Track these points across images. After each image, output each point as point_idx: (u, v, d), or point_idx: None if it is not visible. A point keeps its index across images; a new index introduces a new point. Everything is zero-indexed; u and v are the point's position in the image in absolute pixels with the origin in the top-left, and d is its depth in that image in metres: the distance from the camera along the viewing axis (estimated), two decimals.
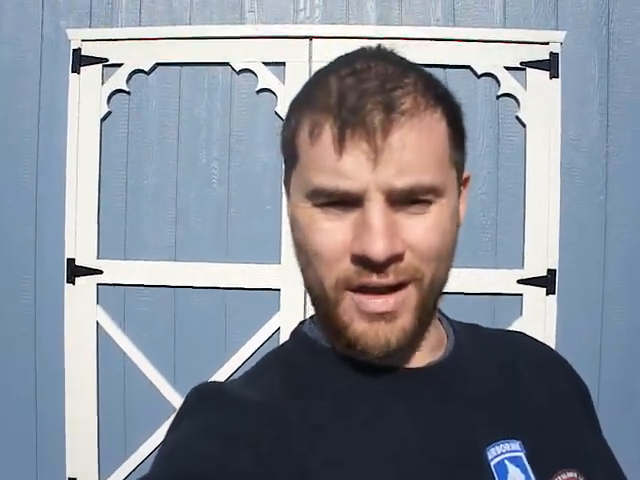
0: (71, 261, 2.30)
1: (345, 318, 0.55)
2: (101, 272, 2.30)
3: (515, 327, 2.15)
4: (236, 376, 0.67)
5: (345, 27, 2.24)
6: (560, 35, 2.17)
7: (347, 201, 0.53)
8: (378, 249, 0.51)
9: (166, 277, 2.28)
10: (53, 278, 2.31)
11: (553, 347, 2.22)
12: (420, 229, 0.53)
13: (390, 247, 0.51)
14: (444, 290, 0.60)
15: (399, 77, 0.53)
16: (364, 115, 0.51)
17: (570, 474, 0.58)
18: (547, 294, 2.18)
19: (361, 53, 0.58)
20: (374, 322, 0.54)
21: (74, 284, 2.30)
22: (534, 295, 2.18)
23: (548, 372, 0.69)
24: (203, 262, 2.26)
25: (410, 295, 0.54)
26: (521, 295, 2.18)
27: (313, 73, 0.61)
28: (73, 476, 2.31)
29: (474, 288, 2.17)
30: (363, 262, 0.52)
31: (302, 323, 0.68)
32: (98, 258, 2.31)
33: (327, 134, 0.52)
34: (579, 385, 0.72)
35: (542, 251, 2.18)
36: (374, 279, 0.53)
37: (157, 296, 2.30)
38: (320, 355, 0.61)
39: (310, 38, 2.23)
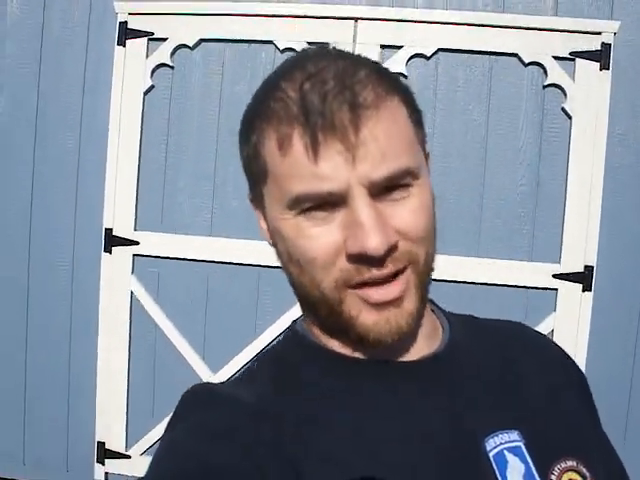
0: (109, 231, 2.35)
1: (352, 313, 0.55)
2: (137, 243, 2.34)
3: (549, 322, 2.13)
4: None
5: (391, 10, 2.21)
6: (614, 25, 2.10)
7: (330, 203, 0.53)
8: (375, 244, 0.51)
9: (200, 252, 2.31)
10: (91, 247, 2.37)
11: (586, 345, 2.19)
12: (406, 213, 0.54)
13: (385, 239, 0.51)
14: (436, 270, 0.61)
15: (353, 72, 0.53)
16: (332, 117, 0.50)
17: (570, 462, 0.58)
18: (583, 290, 2.14)
19: (306, 56, 0.57)
20: (383, 311, 0.54)
21: (111, 253, 2.35)
22: (569, 291, 2.14)
23: (545, 362, 0.68)
24: (238, 239, 2.28)
25: (410, 278, 0.55)
26: (556, 290, 2.14)
27: (261, 84, 0.60)
28: (102, 440, 2.38)
29: (508, 280, 2.15)
30: (361, 259, 0.52)
31: (295, 322, 0.68)
32: (135, 229, 2.35)
33: (298, 143, 0.52)
34: (577, 374, 0.71)
35: (580, 246, 2.14)
36: (374, 273, 0.53)
37: (191, 270, 2.33)
38: (312, 352, 0.62)
39: (355, 19, 2.21)
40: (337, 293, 0.55)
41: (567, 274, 2.14)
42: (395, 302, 0.54)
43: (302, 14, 2.24)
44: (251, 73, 2.31)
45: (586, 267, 2.14)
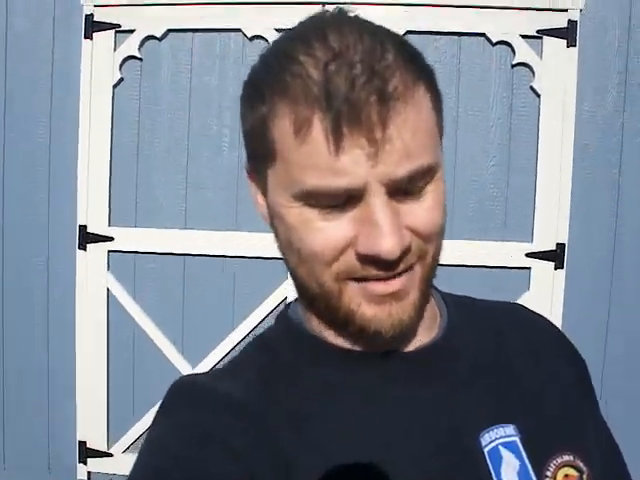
0: (83, 228, 2.32)
1: (352, 305, 0.52)
2: (112, 239, 2.32)
3: (522, 301, 2.13)
4: (243, 344, 0.67)
5: None
6: (579, 1, 2.10)
7: (343, 198, 0.49)
8: (390, 247, 0.48)
9: (176, 245, 2.29)
10: (65, 244, 2.34)
11: (560, 321, 2.21)
12: (421, 211, 0.51)
13: (400, 242, 0.48)
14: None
15: (382, 54, 0.48)
16: (359, 108, 0.46)
17: (566, 457, 0.57)
18: (555, 268, 2.15)
19: (325, 21, 0.52)
20: (385, 304, 0.52)
21: (85, 250, 2.32)
22: (542, 269, 2.15)
23: (544, 348, 0.66)
24: (213, 230, 2.27)
25: (416, 272, 0.53)
26: (529, 269, 2.15)
27: (272, 47, 0.55)
28: (83, 439, 2.36)
29: (482, 261, 2.15)
30: (371, 260, 0.50)
31: (288, 306, 0.65)
32: (109, 225, 2.32)
33: (318, 130, 0.47)
34: (577, 360, 0.69)
35: (552, 224, 2.15)
36: (382, 273, 0.51)
37: (167, 263, 2.31)
38: (306, 342, 0.59)
39: (323, 4, 2.19)
40: (337, 285, 0.52)
41: (539, 252, 2.15)
42: (397, 295, 0.52)
43: (269, 1, 2.22)
44: (220, 62, 2.29)
45: (558, 245, 2.15)
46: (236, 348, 2.23)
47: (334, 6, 0.55)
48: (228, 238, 2.25)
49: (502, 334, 0.65)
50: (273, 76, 0.51)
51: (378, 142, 0.47)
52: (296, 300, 0.63)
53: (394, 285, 0.51)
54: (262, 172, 0.55)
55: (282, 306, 0.63)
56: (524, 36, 2.12)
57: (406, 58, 0.50)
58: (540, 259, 2.15)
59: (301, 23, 0.54)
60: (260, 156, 0.54)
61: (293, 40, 0.51)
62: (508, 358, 0.62)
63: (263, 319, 2.23)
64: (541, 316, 0.73)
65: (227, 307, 2.28)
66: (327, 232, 0.50)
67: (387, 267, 0.50)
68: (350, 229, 0.50)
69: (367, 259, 0.50)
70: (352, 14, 0.53)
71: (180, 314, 2.32)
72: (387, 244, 0.48)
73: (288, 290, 2.19)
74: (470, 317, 0.65)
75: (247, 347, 0.64)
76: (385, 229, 0.48)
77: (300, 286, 0.57)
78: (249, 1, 2.22)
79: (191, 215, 2.30)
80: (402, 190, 0.50)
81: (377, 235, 0.48)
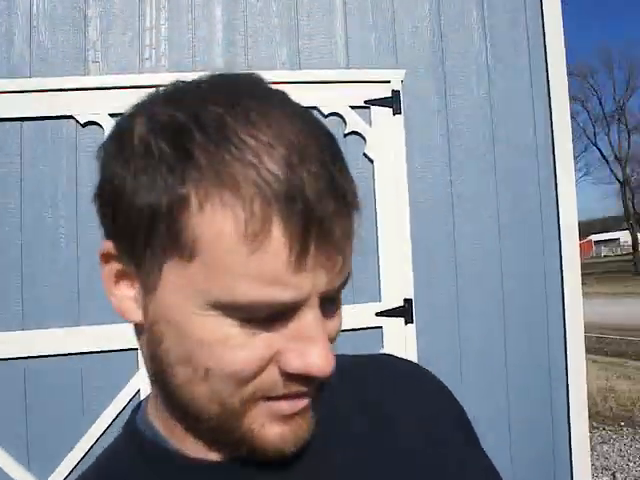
0: None
1: (254, 426, 0.46)
2: None
3: None
4: (96, 448, 0.56)
5: (192, 74, 2.20)
6: (400, 73, 2.28)
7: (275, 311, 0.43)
8: (326, 366, 0.43)
9: (14, 348, 2.09)
10: None
11: None
12: (335, 321, 0.48)
13: (333, 359, 0.44)
14: None
15: (333, 153, 0.43)
16: (330, 222, 0.40)
17: None
18: (406, 323, 2.22)
19: (258, 93, 0.45)
20: (292, 422, 0.47)
21: None
22: (393, 326, 2.21)
23: (420, 401, 0.62)
24: (54, 328, 2.09)
25: (315, 382, 0.48)
26: (381, 327, 2.20)
27: (180, 98, 0.45)
28: None
29: None
30: (299, 377, 0.44)
31: (136, 412, 0.56)
32: None
33: (278, 240, 0.39)
34: (454, 407, 0.66)
35: (397, 282, 2.22)
36: (303, 388, 0.45)
37: (4, 370, 2.09)
38: (161, 459, 0.51)
39: (157, 87, 2.18)
40: (244, 406, 0.45)
41: (389, 310, 2.20)
42: (303, 411, 0.47)
43: (101, 85, 2.17)
44: (53, 151, 2.19)
45: (405, 300, 2.22)
46: (87, 456, 2.03)
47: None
48: (70, 335, 2.08)
49: (378, 399, 0.60)
50: (202, 151, 0.40)
51: (341, 259, 0.42)
52: (144, 402, 0.55)
53: (304, 402, 0.46)
54: (151, 264, 0.43)
55: (130, 410, 0.52)
56: (353, 107, 2.23)
57: (337, 151, 0.45)
58: (390, 316, 2.20)
59: (212, 84, 0.46)
60: (157, 245, 0.42)
61: (221, 107, 0.42)
62: (386, 427, 0.58)
63: (115, 418, 2.05)
64: (410, 363, 0.70)
65: (75, 410, 2.08)
66: (251, 349, 0.43)
67: (311, 383, 0.45)
68: (274, 344, 0.43)
69: (293, 377, 0.44)
70: (282, 92, 0.47)
71: (23, 424, 2.08)
72: (322, 362, 0.43)
73: (140, 382, 2.04)
74: (341, 388, 0.60)
75: (86, 472, 0.54)
76: (320, 346, 0.43)
77: (181, 405, 0.47)
78: (80, 87, 2.17)
79: (28, 315, 2.11)
80: (328, 299, 0.45)
81: (311, 352, 0.43)
